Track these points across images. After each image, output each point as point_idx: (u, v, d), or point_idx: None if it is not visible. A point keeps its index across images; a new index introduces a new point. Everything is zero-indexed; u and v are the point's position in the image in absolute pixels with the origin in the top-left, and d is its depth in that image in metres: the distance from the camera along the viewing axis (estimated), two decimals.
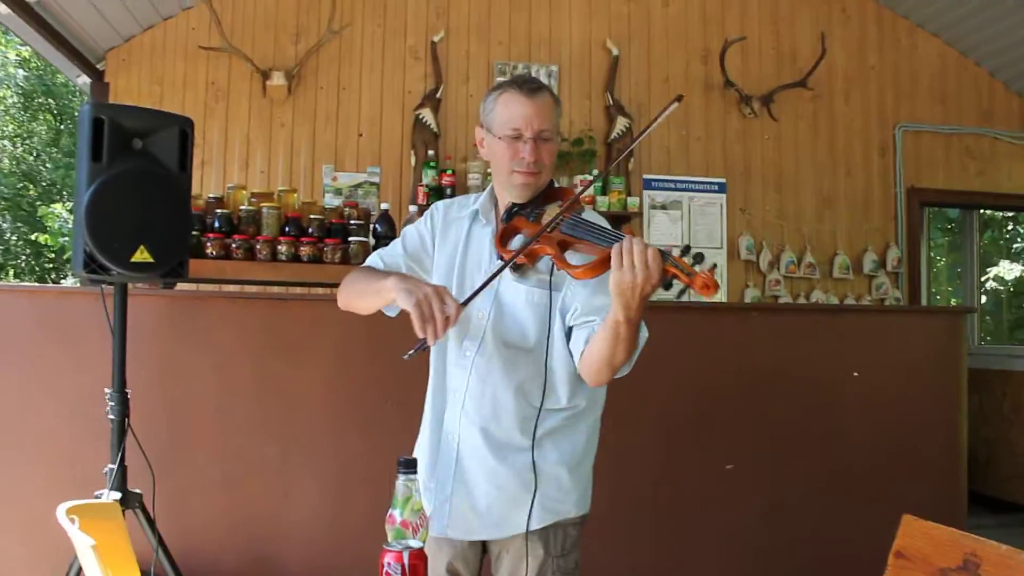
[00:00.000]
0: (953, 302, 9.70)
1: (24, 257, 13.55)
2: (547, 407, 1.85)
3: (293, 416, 3.13)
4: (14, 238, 13.41)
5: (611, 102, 5.67)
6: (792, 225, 5.92)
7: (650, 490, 3.39)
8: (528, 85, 1.82)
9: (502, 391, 1.85)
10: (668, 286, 1.50)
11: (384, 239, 3.67)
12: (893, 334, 3.77)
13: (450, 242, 1.96)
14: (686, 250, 1.50)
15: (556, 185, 1.94)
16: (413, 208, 4.61)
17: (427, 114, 5.40)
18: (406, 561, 1.28)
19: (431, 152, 5.34)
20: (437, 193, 5.15)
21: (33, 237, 12.45)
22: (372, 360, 3.18)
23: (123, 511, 2.33)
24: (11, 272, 13.27)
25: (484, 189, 2.05)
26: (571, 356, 1.85)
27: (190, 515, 3.00)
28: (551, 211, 1.80)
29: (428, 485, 1.90)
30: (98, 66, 5.28)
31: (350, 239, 3.73)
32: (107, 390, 2.56)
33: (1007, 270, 9.90)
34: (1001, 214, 9.39)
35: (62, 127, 13.77)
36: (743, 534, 3.46)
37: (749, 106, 5.82)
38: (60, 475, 2.90)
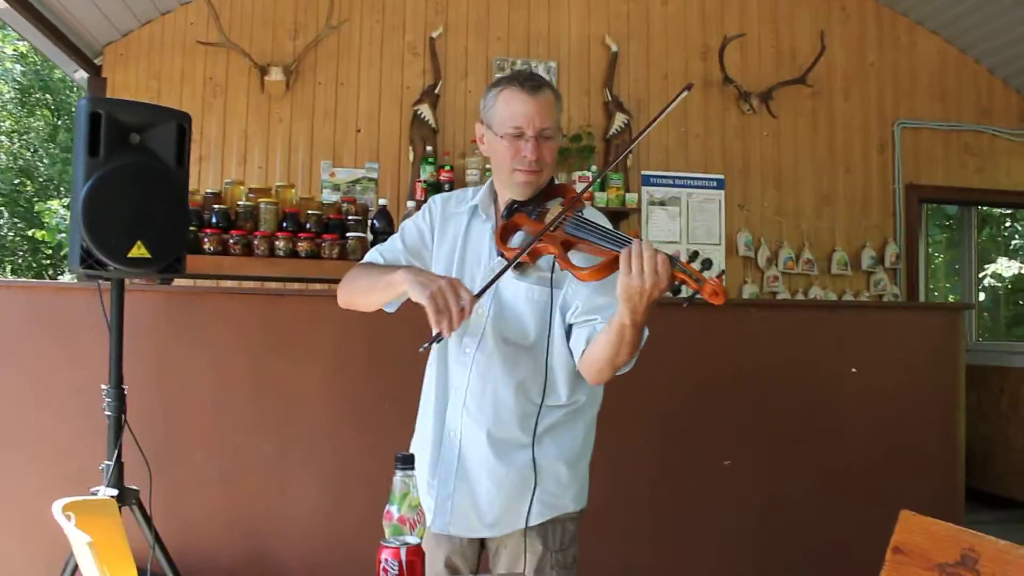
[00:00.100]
0: (951, 299, 9.71)
1: (21, 253, 13.54)
2: (547, 404, 1.85)
3: (290, 413, 3.13)
4: (11, 234, 13.39)
5: (610, 98, 5.66)
6: (791, 222, 5.92)
7: (647, 486, 3.39)
8: (530, 82, 1.80)
9: (503, 388, 1.85)
10: (676, 292, 1.50)
11: (382, 235, 3.66)
12: (891, 330, 3.77)
13: (449, 237, 1.95)
14: (694, 256, 1.50)
15: (556, 182, 1.94)
16: (411, 204, 4.60)
17: (425, 110, 5.39)
18: (403, 557, 1.28)
19: (429, 148, 5.33)
20: (435, 189, 5.14)
21: (30, 233, 12.43)
22: (370, 356, 3.18)
23: (120, 508, 2.32)
24: (8, 268, 13.26)
25: (482, 185, 2.04)
26: (571, 354, 1.85)
27: (187, 512, 2.99)
28: (553, 209, 1.79)
29: (430, 482, 1.90)
30: (95, 61, 5.26)
31: (348, 235, 3.73)
32: (104, 386, 2.56)
33: (1005, 267, 9.91)
34: (999, 211, 9.40)
35: (59, 122, 13.73)
36: (741, 530, 3.47)
37: (748, 103, 5.82)
38: (56, 472, 2.90)
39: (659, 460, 3.42)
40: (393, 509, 1.31)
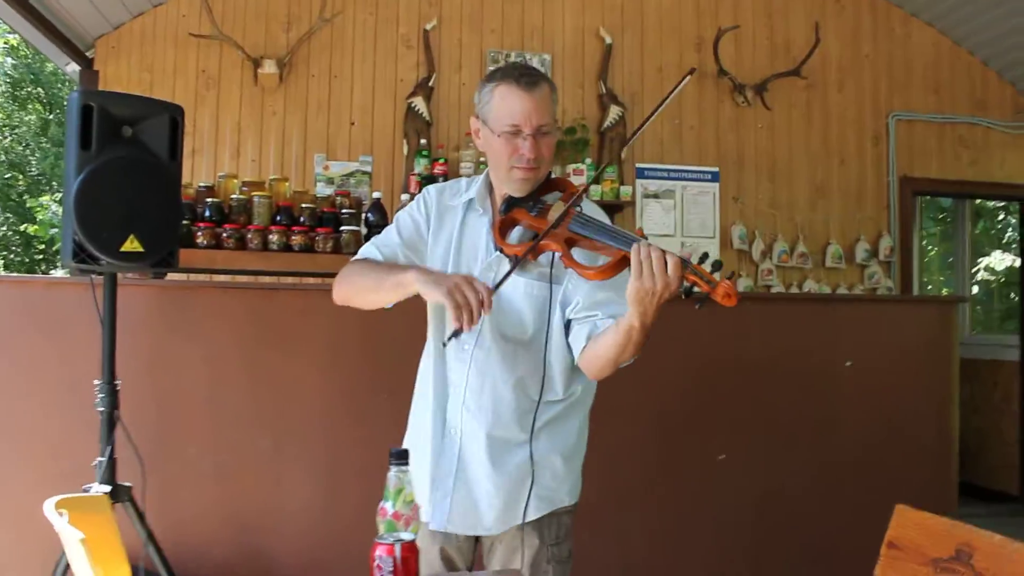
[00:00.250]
0: (945, 292, 9.72)
1: (14, 248, 13.48)
2: (545, 400, 1.85)
3: (284, 407, 3.12)
4: (3, 229, 13.33)
5: (604, 91, 5.64)
6: (785, 214, 5.92)
7: (642, 480, 3.39)
8: (525, 78, 1.77)
9: (501, 385, 1.84)
10: (688, 293, 1.50)
11: (376, 228, 3.65)
12: (885, 323, 3.78)
13: (445, 231, 1.93)
14: (704, 257, 1.49)
15: (552, 175, 1.92)
16: (405, 197, 4.59)
17: (419, 103, 5.37)
18: (398, 554, 1.27)
19: (423, 141, 5.31)
20: (429, 182, 5.12)
21: (22, 228, 12.37)
22: (364, 350, 3.17)
23: (112, 504, 2.31)
24: (1, 264, 13.20)
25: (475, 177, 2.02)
26: (568, 349, 1.84)
27: (180, 508, 2.99)
28: (557, 207, 1.77)
29: (433, 476, 1.88)
30: (87, 54, 5.23)
31: (342, 228, 3.72)
32: (96, 382, 2.55)
33: (998, 260, 9.92)
34: (993, 204, 9.40)
35: (51, 116, 13.66)
36: (735, 524, 3.47)
37: (743, 95, 5.81)
38: (48, 468, 2.89)
39: (654, 454, 3.42)
40: (387, 505, 1.30)
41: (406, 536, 1.29)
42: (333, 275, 1.94)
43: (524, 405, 1.85)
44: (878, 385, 3.65)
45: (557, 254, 1.71)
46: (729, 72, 5.79)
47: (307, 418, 3.13)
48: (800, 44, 5.93)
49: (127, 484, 2.51)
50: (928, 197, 7.29)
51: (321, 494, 3.11)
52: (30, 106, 13.76)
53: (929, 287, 9.88)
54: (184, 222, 3.45)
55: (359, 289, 1.87)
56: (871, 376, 3.64)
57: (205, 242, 3.57)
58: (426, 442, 1.90)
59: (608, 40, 5.70)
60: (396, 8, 5.52)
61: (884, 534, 1.68)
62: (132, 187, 2.49)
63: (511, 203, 1.85)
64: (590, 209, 1.80)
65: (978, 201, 8.17)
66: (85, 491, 2.41)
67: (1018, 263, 7.24)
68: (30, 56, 12.76)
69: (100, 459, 2.50)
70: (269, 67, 5.21)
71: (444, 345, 1.74)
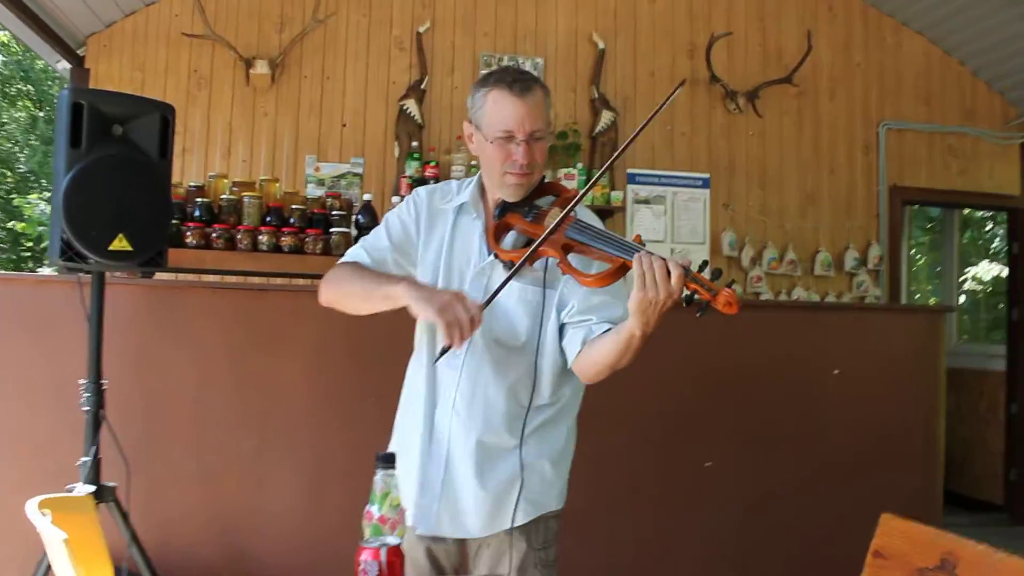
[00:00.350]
0: (933, 301, 9.76)
1: (1, 246, 13.39)
2: (535, 404, 1.85)
3: (271, 409, 3.11)
4: None
5: (596, 95, 5.65)
6: (775, 221, 5.93)
7: (630, 486, 3.40)
8: (518, 84, 1.77)
9: (494, 392, 1.84)
10: (689, 301, 1.50)
11: (366, 230, 3.63)
12: (873, 332, 3.79)
13: (436, 234, 1.91)
14: (703, 265, 1.49)
15: (545, 179, 1.92)
16: (396, 199, 4.59)
17: (411, 105, 5.36)
18: (383, 558, 1.26)
19: (415, 143, 5.31)
20: (420, 185, 5.09)
21: (10, 225, 12.30)
22: (352, 353, 3.16)
23: (96, 505, 2.30)
24: None
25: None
26: (560, 354, 1.84)
27: (165, 508, 2.97)
28: (553, 212, 1.77)
29: (421, 480, 1.87)
30: (78, 52, 5.21)
31: (332, 230, 3.71)
32: (82, 381, 2.53)
33: (986, 270, 9.97)
34: (980, 214, 9.46)
35: (40, 114, 13.59)
36: (722, 531, 3.47)
37: (734, 102, 5.82)
38: (32, 468, 2.87)
39: (641, 460, 3.42)
40: (373, 509, 1.30)
41: (392, 540, 1.29)
42: (322, 277, 1.93)
43: (514, 411, 1.85)
44: (865, 394, 3.66)
45: (553, 260, 1.71)
46: (721, 79, 5.80)
47: (293, 420, 3.12)
48: (792, 52, 5.95)
49: (111, 484, 2.50)
50: (917, 206, 7.31)
51: (306, 496, 3.10)
52: (19, 103, 13.68)
53: (917, 296, 9.91)
54: (173, 222, 3.43)
55: (346, 295, 1.86)
56: (859, 384, 3.65)
57: (194, 242, 3.56)
58: (414, 446, 1.89)
59: (601, 45, 5.71)
60: (389, 10, 5.52)
61: (870, 543, 1.69)
62: (122, 186, 2.48)
63: (505, 207, 1.84)
64: (585, 215, 1.80)
65: (966, 211, 8.22)
66: (69, 491, 2.39)
67: (1005, 273, 7.27)
68: (20, 53, 12.69)
69: (85, 459, 2.49)
70: (261, 67, 5.20)
71: (435, 362, 1.74)
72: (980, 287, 9.98)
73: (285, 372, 3.13)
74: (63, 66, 5.32)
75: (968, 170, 6.28)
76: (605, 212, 5.41)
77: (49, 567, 2.14)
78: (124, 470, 2.47)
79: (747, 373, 3.53)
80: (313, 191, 5.04)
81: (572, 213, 1.71)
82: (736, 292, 1.45)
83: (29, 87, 13.58)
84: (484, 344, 1.83)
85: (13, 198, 12.77)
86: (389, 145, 5.41)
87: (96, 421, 2.52)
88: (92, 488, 2.43)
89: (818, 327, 3.76)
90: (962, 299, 9.04)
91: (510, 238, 1.84)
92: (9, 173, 13.43)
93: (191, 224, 3.57)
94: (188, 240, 3.55)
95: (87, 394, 2.52)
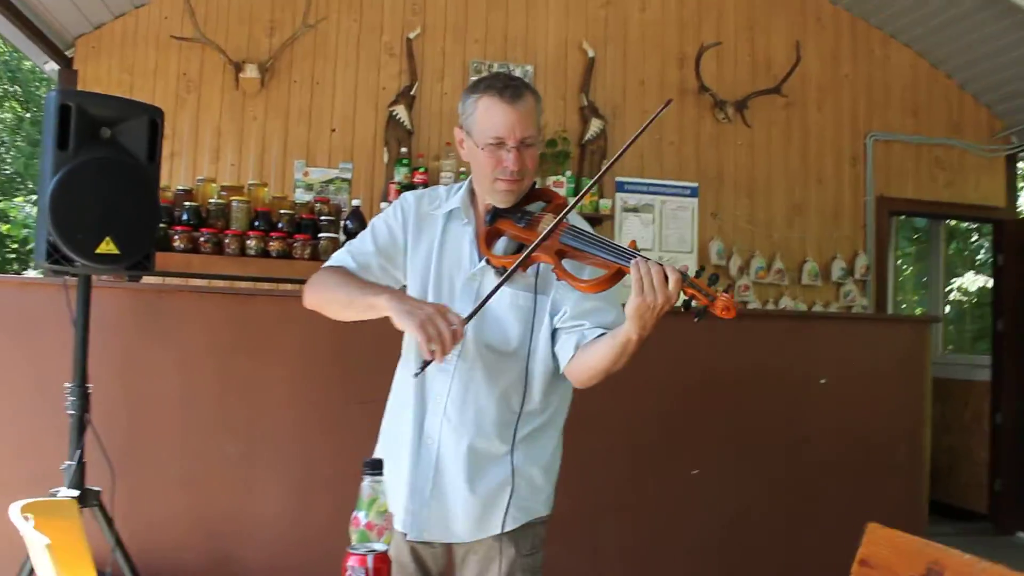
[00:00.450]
0: (919, 311, 9.82)
1: None
2: (526, 410, 1.85)
3: (257, 414, 3.09)
4: None
5: (586, 103, 5.66)
6: (763, 231, 5.95)
7: (616, 494, 3.40)
8: (509, 91, 1.77)
9: (485, 397, 1.83)
10: (687, 306, 1.51)
11: (355, 235, 3.61)
12: (860, 342, 3.81)
13: (425, 239, 1.91)
14: (700, 271, 1.50)
15: (536, 185, 1.92)
16: (384, 205, 4.59)
17: (401, 111, 5.36)
18: (370, 564, 1.26)
19: (404, 149, 5.30)
20: (409, 191, 5.12)
21: None
22: (338, 359, 3.16)
23: (81, 509, 2.28)
24: None
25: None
26: (552, 359, 1.84)
27: (150, 513, 2.95)
28: (547, 218, 1.77)
29: (411, 485, 1.86)
30: (67, 53, 5.18)
31: (320, 235, 3.71)
32: (67, 384, 2.51)
33: (971, 281, 10.04)
34: (966, 225, 9.52)
35: (27, 115, 13.51)
36: (708, 539, 3.48)
37: (723, 111, 5.85)
38: (16, 472, 2.84)
39: (628, 468, 3.42)
40: (360, 515, 1.29)
41: (378, 547, 1.28)
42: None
43: (505, 416, 1.84)
44: (852, 403, 3.67)
45: (547, 265, 1.72)
46: (710, 88, 5.83)
47: (279, 425, 3.11)
48: (781, 62, 5.98)
49: (96, 488, 2.48)
50: (903, 217, 7.36)
51: (292, 502, 3.09)
52: (6, 104, 13.60)
53: (903, 306, 9.97)
54: (161, 225, 3.42)
55: (329, 300, 1.85)
56: (845, 394, 3.66)
57: (182, 246, 3.55)
58: (404, 451, 1.88)
59: (591, 53, 5.73)
60: (380, 16, 5.52)
61: (856, 552, 1.69)
62: (109, 189, 2.47)
63: (496, 213, 1.84)
64: (577, 221, 1.81)
65: (952, 222, 8.27)
66: (53, 495, 2.37)
67: (990, 284, 7.32)
68: (7, 54, 12.62)
69: (69, 463, 2.47)
70: (251, 71, 5.19)
71: (415, 376, 1.72)
72: (965, 298, 10.05)
73: (271, 377, 3.11)
74: (51, 67, 5.30)
75: (954, 182, 6.32)
76: (594, 220, 5.42)
77: (32, 571, 2.13)
78: (109, 474, 2.45)
79: (734, 382, 3.54)
80: (302, 196, 5.03)
81: (566, 219, 1.71)
82: (734, 297, 1.45)
83: (16, 88, 13.50)
84: (476, 350, 1.83)
85: (1, 199, 12.67)
86: (378, 151, 5.41)
87: (81, 425, 2.50)
88: (76, 492, 2.41)
89: (805, 336, 3.78)
90: (947, 309, 9.10)
91: (501, 244, 1.84)
92: None
93: (179, 228, 3.56)
94: (175, 244, 3.54)
95: (72, 397, 2.51)
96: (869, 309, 5.98)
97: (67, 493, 2.39)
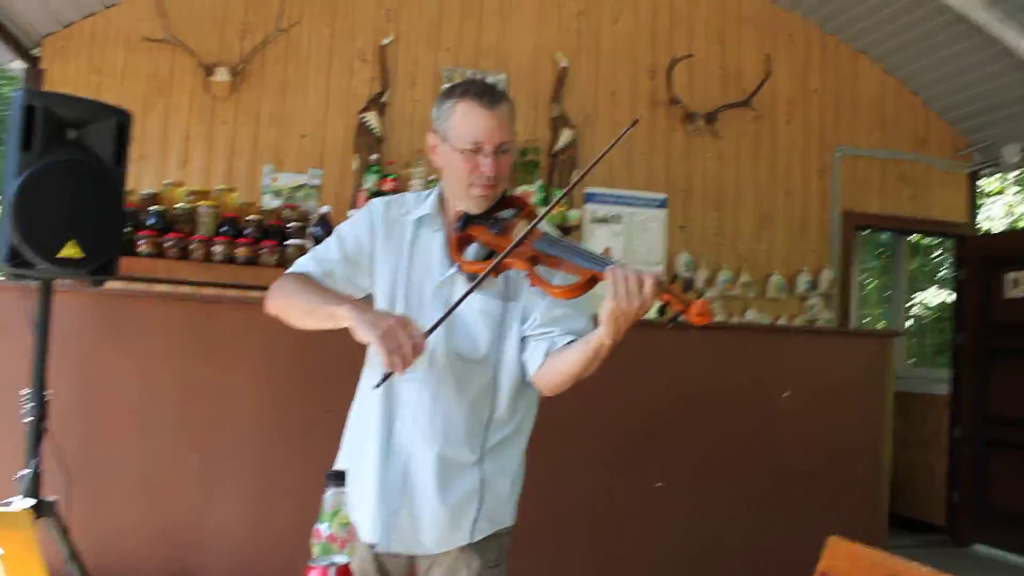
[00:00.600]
0: (881, 325, 9.95)
1: None
2: (494, 419, 1.85)
3: (218, 422, 3.06)
4: None
5: (557, 113, 5.68)
6: (730, 243, 6.00)
7: (581, 504, 3.40)
8: (488, 96, 1.78)
9: (455, 407, 1.83)
10: (662, 312, 1.52)
11: (322, 243, 3.62)
12: (824, 356, 3.85)
13: (394, 246, 1.89)
14: (674, 278, 1.51)
15: (506, 192, 1.92)
16: (353, 212, 4.56)
17: (372, 118, 5.35)
18: None
19: (374, 156, 5.29)
20: (378, 197, 5.10)
21: None
22: (302, 367, 3.13)
23: (36, 519, 2.24)
24: None
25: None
26: (520, 367, 1.84)
27: (107, 523, 2.91)
28: (521, 225, 1.77)
29: (380, 495, 1.84)
30: (33, 52, 5.12)
31: (287, 242, 3.68)
32: (24, 391, 2.47)
33: (932, 296, 10.20)
34: (928, 241, 9.67)
35: None
36: (671, 551, 3.49)
37: (693, 123, 5.89)
38: None
39: (593, 480, 3.42)
40: (322, 527, 1.28)
41: (340, 559, 1.27)
42: None
43: (474, 426, 1.84)
44: (815, 416, 3.71)
45: (518, 272, 1.72)
46: (681, 100, 5.87)
47: (241, 434, 3.08)
48: (751, 76, 6.04)
49: (51, 499, 2.44)
50: (868, 231, 7.46)
51: (253, 511, 3.06)
52: None
53: (866, 320, 10.10)
54: (126, 229, 3.38)
55: (291, 307, 1.83)
56: (808, 407, 3.70)
57: (147, 250, 3.51)
58: (370, 461, 1.86)
59: (563, 63, 5.75)
60: (353, 22, 5.50)
61: (816, 564, 1.70)
62: (74, 191, 2.44)
63: (468, 220, 1.84)
64: (549, 229, 1.81)
65: (915, 238, 8.38)
66: (6, 505, 2.33)
67: (951, 299, 7.44)
68: None
69: (24, 472, 2.42)
70: (221, 75, 5.15)
71: (376, 388, 1.70)
72: (927, 312, 10.21)
73: (234, 385, 3.08)
74: (17, 66, 5.22)
75: (918, 197, 6.42)
76: (563, 230, 5.43)
77: None
78: (65, 484, 2.41)
79: (699, 394, 3.56)
80: (270, 202, 5.00)
81: (539, 227, 1.72)
82: (708, 304, 1.46)
83: None
84: (445, 358, 1.82)
85: None
86: (348, 157, 5.38)
87: (38, 433, 2.46)
88: (31, 502, 2.37)
89: (770, 350, 3.81)
90: (909, 323, 9.23)
91: (472, 250, 1.83)
92: None
93: (144, 232, 3.52)
94: (140, 248, 3.50)
95: (30, 404, 2.46)
96: (833, 323, 6.04)
97: (21, 503, 2.34)
